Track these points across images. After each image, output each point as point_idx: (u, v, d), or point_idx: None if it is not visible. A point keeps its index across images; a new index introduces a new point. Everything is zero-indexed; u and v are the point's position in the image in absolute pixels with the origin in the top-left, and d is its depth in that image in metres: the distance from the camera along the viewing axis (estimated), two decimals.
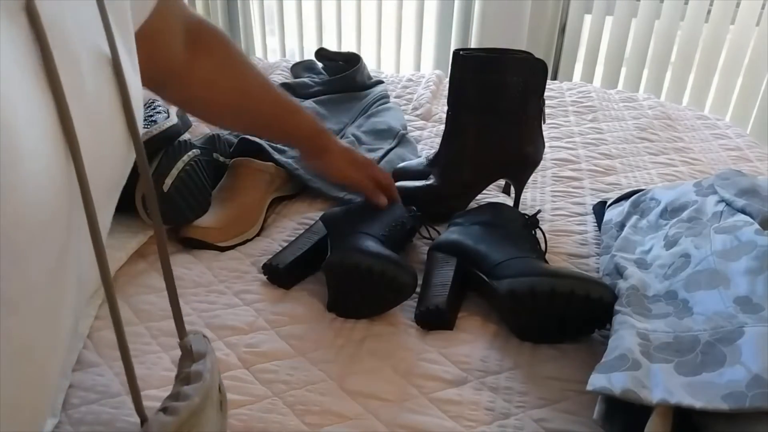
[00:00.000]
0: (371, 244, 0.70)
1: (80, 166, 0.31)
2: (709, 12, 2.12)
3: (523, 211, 0.87)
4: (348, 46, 2.59)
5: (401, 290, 0.67)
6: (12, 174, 0.25)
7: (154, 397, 0.57)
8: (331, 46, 2.57)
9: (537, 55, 0.88)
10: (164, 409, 0.35)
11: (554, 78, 2.35)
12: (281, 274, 0.74)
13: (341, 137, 1.17)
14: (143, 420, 0.35)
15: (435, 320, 0.68)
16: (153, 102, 0.91)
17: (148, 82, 0.71)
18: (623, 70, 2.29)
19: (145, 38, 0.61)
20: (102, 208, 0.37)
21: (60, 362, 0.36)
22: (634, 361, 0.52)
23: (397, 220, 0.80)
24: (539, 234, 0.81)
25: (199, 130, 1.16)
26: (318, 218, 0.83)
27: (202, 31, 0.73)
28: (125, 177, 0.41)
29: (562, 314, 0.64)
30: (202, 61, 0.73)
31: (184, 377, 0.38)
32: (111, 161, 0.37)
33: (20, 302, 0.28)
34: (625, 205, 0.86)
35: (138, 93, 0.42)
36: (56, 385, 0.37)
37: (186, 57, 0.71)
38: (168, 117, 0.85)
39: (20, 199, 0.26)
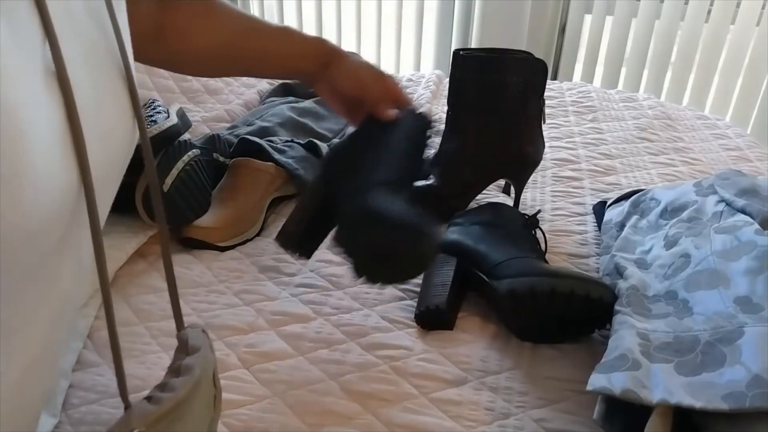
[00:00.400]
0: (385, 203, 0.61)
1: (82, 149, 0.30)
2: (709, 12, 2.12)
3: (523, 211, 0.87)
4: (348, 46, 2.59)
5: (421, 261, 0.61)
6: (17, 166, 0.25)
7: None
8: None
9: (537, 55, 0.88)
10: (149, 398, 0.35)
11: (554, 78, 2.35)
12: (299, 244, 0.69)
13: (341, 137, 1.17)
14: (127, 406, 0.35)
15: (435, 320, 0.68)
16: (153, 102, 0.91)
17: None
18: (623, 70, 2.29)
19: None
20: (101, 198, 0.36)
21: (53, 356, 0.36)
22: (634, 361, 0.52)
23: (410, 150, 0.71)
24: (539, 234, 0.81)
25: (199, 130, 1.16)
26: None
27: None
28: (126, 164, 0.41)
29: (562, 314, 0.64)
30: (174, 14, 0.69)
31: (175, 369, 0.39)
32: (114, 147, 0.37)
33: (13, 292, 0.28)
34: (625, 205, 0.86)
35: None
36: (51, 378, 0.37)
37: (157, 13, 0.68)
38: (168, 117, 0.85)
39: (24, 189, 0.26)
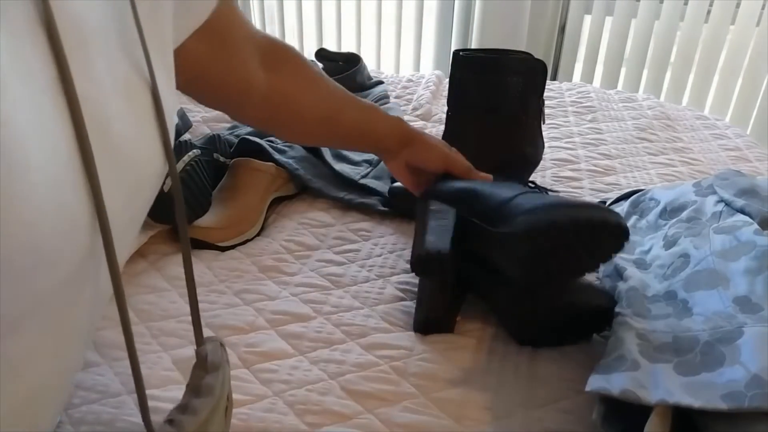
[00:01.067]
0: (548, 198, 0.61)
1: (97, 188, 0.29)
2: (709, 12, 2.12)
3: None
4: (348, 46, 2.60)
5: (619, 233, 0.60)
6: (14, 188, 0.24)
7: (155, 396, 0.57)
8: (331, 46, 2.58)
9: (537, 55, 0.88)
10: (170, 421, 0.35)
11: (554, 78, 2.35)
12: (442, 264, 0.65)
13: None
14: (149, 431, 0.35)
15: (434, 328, 0.68)
16: None
17: (223, 104, 0.70)
18: (623, 71, 2.29)
19: (216, 54, 0.62)
20: (124, 232, 0.36)
21: (69, 380, 0.36)
22: (633, 362, 0.53)
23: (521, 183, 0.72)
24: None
25: (200, 130, 1.16)
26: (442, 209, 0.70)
27: (277, 49, 0.72)
28: (153, 195, 0.41)
29: (562, 320, 0.64)
30: (282, 79, 0.72)
31: (194, 388, 0.38)
32: (140, 185, 0.36)
33: (22, 320, 0.27)
34: (625, 206, 0.86)
35: (172, 112, 0.41)
36: (61, 402, 0.36)
37: (265, 76, 0.70)
38: None
39: (23, 215, 0.25)
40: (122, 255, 0.34)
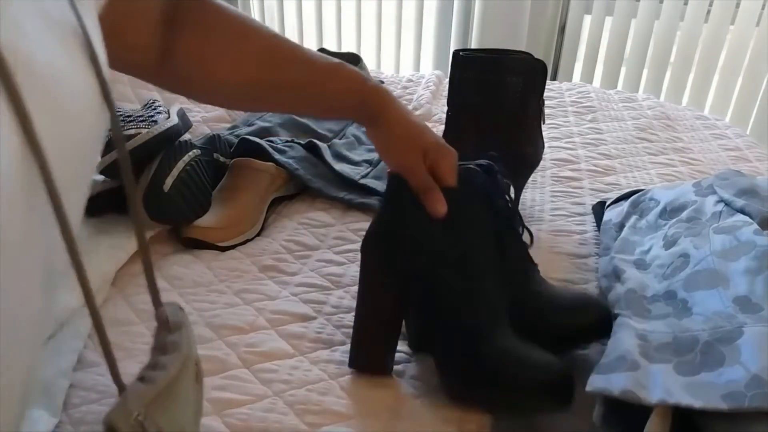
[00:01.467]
0: (515, 347, 0.57)
1: (37, 144, 0.27)
2: (709, 12, 2.12)
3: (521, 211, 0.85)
4: (348, 46, 2.60)
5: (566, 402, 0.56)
6: None
7: None
8: (331, 46, 2.58)
9: (537, 55, 0.88)
10: (141, 378, 0.35)
11: (554, 78, 2.35)
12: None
13: (341, 137, 1.17)
14: (121, 389, 0.34)
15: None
16: (154, 102, 0.91)
17: (135, 70, 0.64)
18: (623, 71, 2.29)
19: (123, 20, 0.58)
20: (69, 190, 0.34)
21: (25, 375, 0.34)
22: (633, 362, 0.53)
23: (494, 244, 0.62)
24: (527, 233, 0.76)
25: (200, 130, 1.16)
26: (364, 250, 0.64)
27: (181, 5, 0.63)
28: (96, 155, 0.37)
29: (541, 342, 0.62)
30: (183, 37, 0.62)
31: (160, 347, 0.38)
32: (83, 138, 0.33)
33: None
34: (625, 206, 0.86)
35: (106, 64, 0.39)
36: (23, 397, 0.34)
37: (165, 37, 0.62)
38: (168, 117, 0.85)
39: None
40: (73, 216, 0.32)
